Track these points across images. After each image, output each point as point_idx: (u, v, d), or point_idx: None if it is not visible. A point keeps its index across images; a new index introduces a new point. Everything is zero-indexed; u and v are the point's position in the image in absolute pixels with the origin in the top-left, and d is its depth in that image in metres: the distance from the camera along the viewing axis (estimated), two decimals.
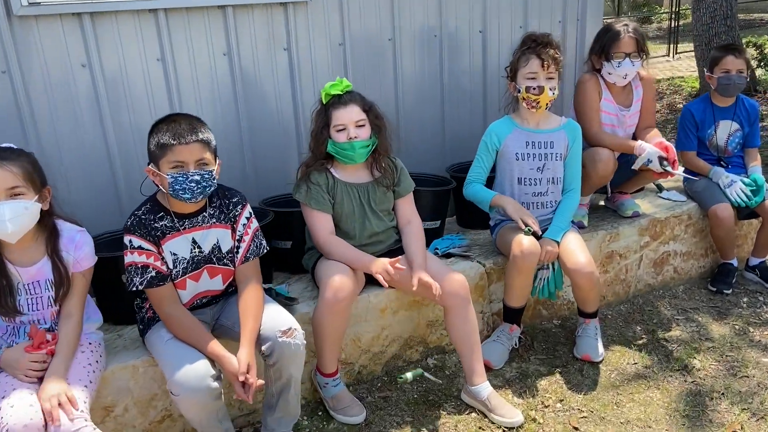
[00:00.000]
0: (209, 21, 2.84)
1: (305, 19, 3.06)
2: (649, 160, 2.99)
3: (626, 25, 3.09)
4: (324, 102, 2.50)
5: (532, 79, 2.75)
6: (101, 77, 2.68)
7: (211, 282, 2.21)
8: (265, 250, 2.28)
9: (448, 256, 3.03)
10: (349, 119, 2.45)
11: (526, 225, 2.68)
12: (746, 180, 3.36)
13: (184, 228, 2.11)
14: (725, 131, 3.51)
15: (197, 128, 2.01)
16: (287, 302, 2.49)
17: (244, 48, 2.95)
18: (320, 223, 2.50)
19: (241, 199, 2.22)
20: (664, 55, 12.43)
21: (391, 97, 3.41)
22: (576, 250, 2.73)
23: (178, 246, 2.10)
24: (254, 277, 2.20)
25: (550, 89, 2.75)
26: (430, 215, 3.15)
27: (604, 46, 3.09)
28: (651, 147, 2.99)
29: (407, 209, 2.69)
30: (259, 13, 2.95)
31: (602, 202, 3.62)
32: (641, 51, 3.07)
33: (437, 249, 3.02)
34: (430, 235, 3.15)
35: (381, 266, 2.38)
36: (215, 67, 2.91)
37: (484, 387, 2.51)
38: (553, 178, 2.89)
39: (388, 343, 2.76)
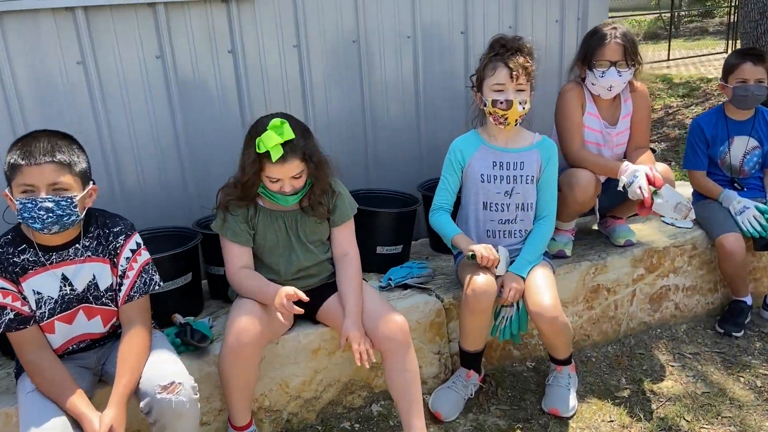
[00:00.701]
0: (138, 20, 2.56)
1: (252, 18, 2.75)
2: (631, 182, 2.54)
3: (615, 28, 2.66)
4: (259, 152, 2.09)
5: (500, 91, 2.37)
6: (12, 85, 2.43)
7: (89, 324, 1.92)
8: (158, 288, 1.97)
9: (405, 287, 2.68)
10: (286, 174, 2.11)
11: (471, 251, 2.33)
12: (762, 206, 2.90)
13: (51, 262, 1.82)
14: (741, 149, 3.04)
15: (57, 148, 1.71)
16: (198, 344, 2.18)
17: (180, 50, 2.66)
18: (233, 256, 2.19)
19: (124, 229, 1.92)
20: (721, 52, 11.68)
21: (357, 105, 3.07)
22: (540, 288, 2.34)
23: (43, 283, 1.82)
24: (139, 320, 1.90)
25: (520, 103, 2.36)
26: (390, 239, 2.81)
27: (587, 52, 2.68)
28: (638, 170, 2.56)
29: (343, 240, 2.34)
30: (196, 12, 2.65)
31: (595, 226, 3.20)
32: (631, 59, 2.64)
33: (391, 280, 2.67)
34: (391, 262, 2.81)
35: (279, 299, 2.06)
36: (146, 71, 2.62)
37: None
38: (522, 204, 2.51)
39: (323, 388, 2.43)
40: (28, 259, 1.80)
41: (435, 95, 3.22)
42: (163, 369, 1.83)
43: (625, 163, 2.60)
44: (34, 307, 1.81)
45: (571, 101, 2.75)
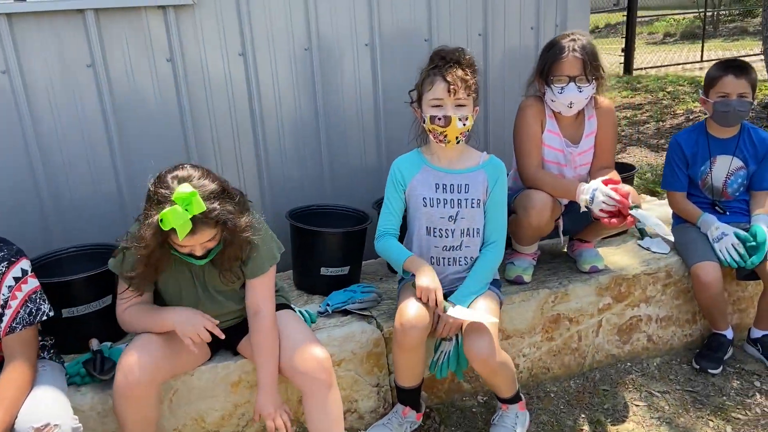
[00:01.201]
0: (67, 27, 2.43)
1: (192, 25, 2.60)
2: (592, 197, 2.34)
3: (573, 40, 2.44)
4: (163, 228, 1.77)
5: (438, 107, 2.18)
6: None
7: None
8: (45, 317, 1.84)
9: (344, 312, 2.51)
10: (196, 242, 1.85)
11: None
12: (742, 233, 2.65)
13: None
14: (723, 169, 2.79)
15: None
16: (100, 377, 2.03)
17: (113, 59, 2.53)
18: (123, 298, 2.01)
19: (7, 255, 1.79)
20: (758, 54, 11.21)
21: (311, 116, 2.90)
22: (492, 322, 2.14)
23: None
24: (20, 354, 1.76)
25: (459, 119, 2.17)
26: (336, 260, 2.64)
27: (545, 66, 2.47)
28: (594, 182, 2.35)
29: (256, 295, 2.07)
30: (130, 19, 2.51)
31: (565, 248, 2.98)
32: (591, 74, 2.43)
33: (329, 305, 2.50)
34: (336, 284, 2.64)
35: (190, 330, 1.89)
36: (78, 79, 2.50)
37: None
38: (468, 230, 2.31)
39: (245, 423, 2.27)
40: None
41: (396, 106, 3.03)
42: (38, 409, 1.69)
43: (581, 183, 2.39)
44: None
45: (530, 118, 2.55)
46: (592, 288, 2.67)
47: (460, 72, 2.15)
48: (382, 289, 2.68)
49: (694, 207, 2.82)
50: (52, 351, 2.00)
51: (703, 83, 2.80)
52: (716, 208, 2.82)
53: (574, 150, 2.58)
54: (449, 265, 2.34)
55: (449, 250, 2.33)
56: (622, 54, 11.10)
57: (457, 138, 2.20)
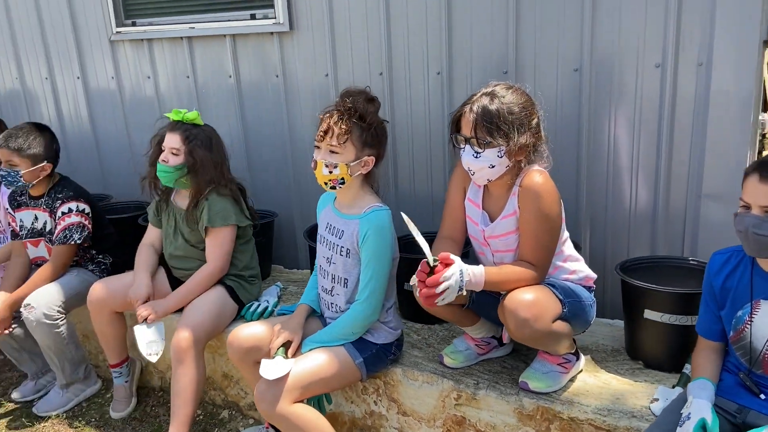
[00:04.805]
0: (217, 47, 3.32)
1: (291, 48, 3.11)
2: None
3: (486, 94, 1.91)
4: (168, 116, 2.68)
5: (317, 147, 2.17)
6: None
7: (36, 250, 2.96)
8: (72, 242, 2.83)
9: None
10: (168, 144, 2.59)
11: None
12: (710, 424, 1.60)
13: (29, 206, 2.92)
14: (766, 321, 1.66)
15: (12, 137, 2.76)
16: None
17: (244, 72, 3.29)
18: (147, 232, 2.85)
19: (67, 195, 2.84)
20: None
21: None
22: (297, 375, 2.07)
23: (23, 217, 2.94)
24: (52, 260, 2.82)
25: (326, 166, 2.11)
26: None
27: (454, 116, 2.00)
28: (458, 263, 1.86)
29: (207, 248, 2.64)
30: (253, 42, 3.20)
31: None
32: (485, 141, 1.89)
33: None
34: None
35: (131, 293, 2.60)
36: (222, 86, 3.38)
37: None
38: (338, 277, 2.23)
39: None
40: (22, 200, 2.96)
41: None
42: (37, 294, 2.73)
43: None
44: (19, 230, 2.98)
45: (454, 179, 2.14)
46: (511, 407, 2.08)
47: (335, 118, 2.08)
48: None
49: (706, 365, 1.78)
50: (103, 266, 3.02)
51: None
52: (747, 383, 1.71)
53: (486, 228, 2.03)
54: (327, 308, 2.33)
55: (326, 292, 2.31)
56: None
57: (326, 183, 2.15)
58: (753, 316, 1.70)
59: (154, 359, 2.49)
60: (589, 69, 2.47)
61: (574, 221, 2.60)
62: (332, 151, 2.10)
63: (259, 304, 2.76)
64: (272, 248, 3.28)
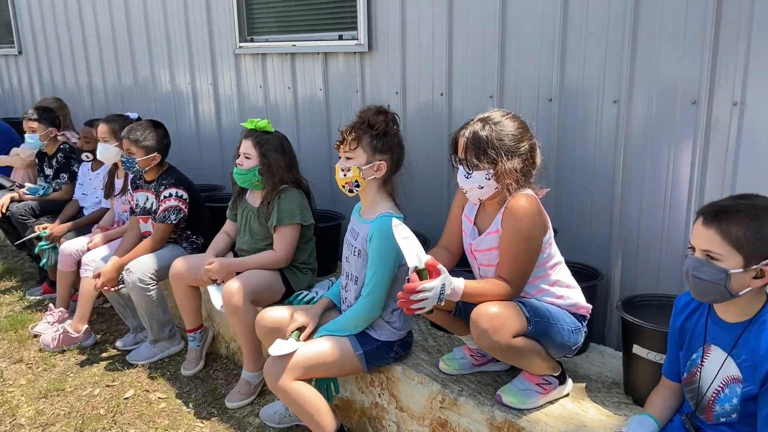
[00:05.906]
0: (311, 63, 3.71)
1: (369, 67, 3.40)
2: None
3: (482, 119, 2.04)
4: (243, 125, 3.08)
5: (339, 157, 2.45)
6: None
7: (146, 226, 3.53)
8: (170, 223, 3.36)
9: None
10: (242, 149, 3.01)
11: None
12: None
13: (143, 188, 3.51)
14: (714, 368, 1.63)
15: (133, 131, 3.34)
16: None
17: (333, 89, 3.65)
18: (225, 224, 3.29)
19: (170, 182, 3.38)
20: None
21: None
22: (300, 355, 2.35)
23: (139, 197, 3.54)
24: (152, 236, 3.37)
25: (342, 170, 2.39)
26: None
27: (451, 142, 2.14)
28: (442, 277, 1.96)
29: (276, 242, 2.97)
30: (339, 61, 3.55)
31: None
32: (472, 164, 2.05)
33: None
34: None
35: (202, 272, 2.98)
36: (314, 99, 3.76)
37: None
38: (350, 274, 2.49)
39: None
40: (140, 183, 3.55)
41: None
42: (138, 262, 3.30)
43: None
44: (135, 208, 3.58)
45: (457, 194, 2.28)
46: (484, 417, 2.18)
47: (348, 129, 2.36)
48: None
49: (656, 403, 1.77)
50: (195, 246, 3.53)
51: None
52: (687, 426, 1.68)
53: (474, 243, 2.14)
54: (342, 302, 2.60)
55: (342, 288, 2.59)
56: None
57: (343, 186, 2.42)
58: (704, 360, 1.68)
59: (224, 310, 2.88)
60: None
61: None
62: (347, 157, 2.37)
63: (308, 294, 3.08)
64: (339, 247, 3.59)
